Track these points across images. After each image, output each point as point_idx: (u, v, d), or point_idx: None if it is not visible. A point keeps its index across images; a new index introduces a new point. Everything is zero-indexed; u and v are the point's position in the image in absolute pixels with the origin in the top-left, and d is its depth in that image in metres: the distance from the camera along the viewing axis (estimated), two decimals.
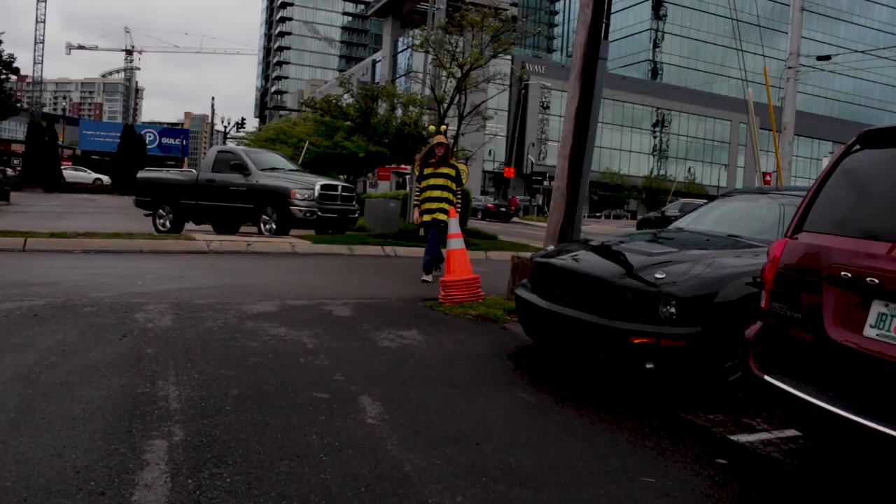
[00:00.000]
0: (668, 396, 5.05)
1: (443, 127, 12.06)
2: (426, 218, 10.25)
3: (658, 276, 4.94)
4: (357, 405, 4.48)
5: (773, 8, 72.82)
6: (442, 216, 10.08)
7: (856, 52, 63.53)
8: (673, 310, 4.76)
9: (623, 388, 5.25)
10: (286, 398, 4.52)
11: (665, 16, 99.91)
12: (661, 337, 4.72)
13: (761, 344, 3.84)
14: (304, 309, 7.52)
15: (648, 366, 4.76)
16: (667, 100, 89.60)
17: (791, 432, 4.49)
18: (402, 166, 31.12)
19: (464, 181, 10.76)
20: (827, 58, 30.01)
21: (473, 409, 4.56)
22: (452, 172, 10.25)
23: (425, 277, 10.19)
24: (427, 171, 10.25)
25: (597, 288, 5.16)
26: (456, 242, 8.71)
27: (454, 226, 8.94)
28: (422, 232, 11.08)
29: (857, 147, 3.86)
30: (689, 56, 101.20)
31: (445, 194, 10.18)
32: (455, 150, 19.82)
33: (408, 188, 9.85)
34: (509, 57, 60.70)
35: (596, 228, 36.26)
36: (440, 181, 10.20)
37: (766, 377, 3.66)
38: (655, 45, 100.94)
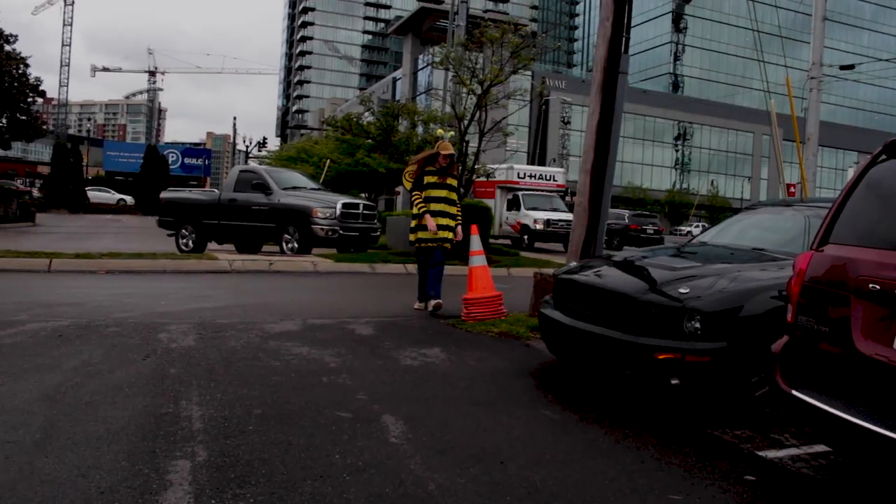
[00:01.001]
0: (694, 412, 5.00)
1: (450, 133, 11.34)
2: (425, 236, 8.94)
3: (682, 290, 4.91)
4: (380, 424, 4.48)
5: (795, 18, 72.58)
6: (449, 234, 9.00)
7: (880, 60, 63.04)
8: (698, 325, 4.72)
9: (648, 405, 5.21)
10: (309, 418, 4.52)
11: (685, 28, 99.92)
12: (686, 352, 4.68)
13: (788, 358, 3.80)
14: (326, 328, 7.54)
15: (674, 381, 4.72)
16: (688, 112, 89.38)
17: (820, 448, 4.43)
18: (514, 181, 30.03)
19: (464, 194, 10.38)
20: (850, 67, 29.82)
21: (497, 428, 4.54)
22: (455, 184, 9.20)
23: (420, 307, 9.11)
24: (428, 178, 9.01)
25: (620, 304, 5.14)
26: (478, 259, 8.68)
27: (476, 243, 8.83)
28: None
29: (884, 157, 3.82)
30: (711, 68, 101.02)
31: (452, 209, 9.06)
32: (476, 166, 19.86)
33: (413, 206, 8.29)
34: (529, 73, 60.79)
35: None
36: (443, 193, 9.02)
37: (794, 392, 3.62)
38: (676, 58, 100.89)
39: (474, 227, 8.89)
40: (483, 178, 26.45)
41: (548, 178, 32.29)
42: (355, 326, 7.69)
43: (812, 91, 20.50)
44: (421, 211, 8.97)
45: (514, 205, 29.04)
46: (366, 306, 9.27)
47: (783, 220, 6.70)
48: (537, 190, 30.37)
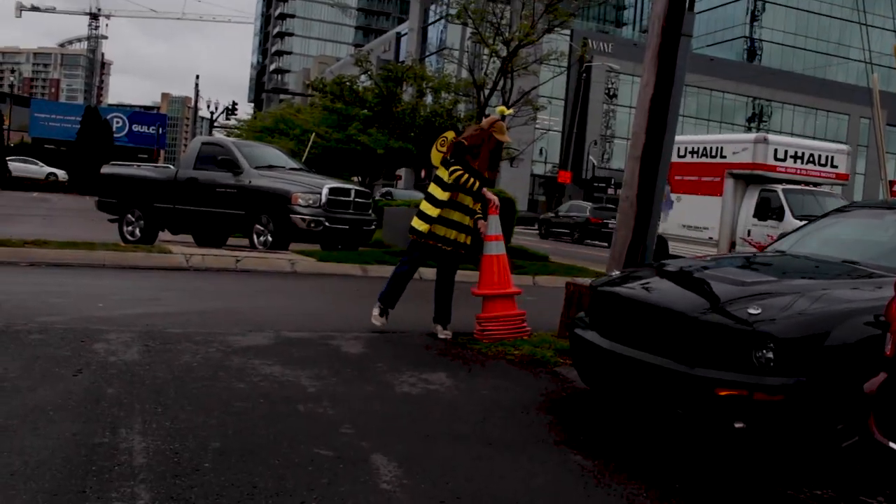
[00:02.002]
0: (764, 465, 4.99)
1: (509, 112, 10.41)
2: (443, 233, 8.46)
3: (752, 311, 4.90)
4: (369, 465, 4.48)
5: None
6: (461, 238, 8.54)
7: None
8: (770, 354, 4.71)
9: (704, 453, 5.20)
10: (280, 455, 4.53)
11: None
12: (754, 389, 4.67)
13: (885, 401, 3.78)
14: (304, 343, 7.55)
15: (738, 425, 4.71)
16: (767, 88, 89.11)
17: None
18: (765, 164, 21.69)
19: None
20: None
21: (514, 475, 4.54)
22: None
23: (377, 320, 8.55)
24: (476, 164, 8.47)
25: (673, 325, 5.13)
26: (495, 246, 8.54)
27: (494, 226, 8.56)
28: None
29: None
30: (797, 32, 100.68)
31: (471, 203, 8.56)
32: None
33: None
34: (567, 32, 60.73)
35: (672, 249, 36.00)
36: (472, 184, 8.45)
37: (892, 444, 3.60)
38: (754, 19, 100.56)
39: (493, 210, 8.55)
40: (515, 159, 26.33)
41: (822, 160, 22.93)
42: (341, 342, 7.70)
43: None
44: (470, 185, 8.29)
45: (767, 209, 21.19)
46: (355, 317, 9.28)
47: (883, 227, 6.68)
48: (806, 183, 22.28)
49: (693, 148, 22.71)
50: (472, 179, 8.29)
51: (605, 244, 39.75)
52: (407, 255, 8.72)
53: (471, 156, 8.40)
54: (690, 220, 22.51)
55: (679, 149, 22.13)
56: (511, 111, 10.26)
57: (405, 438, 5.00)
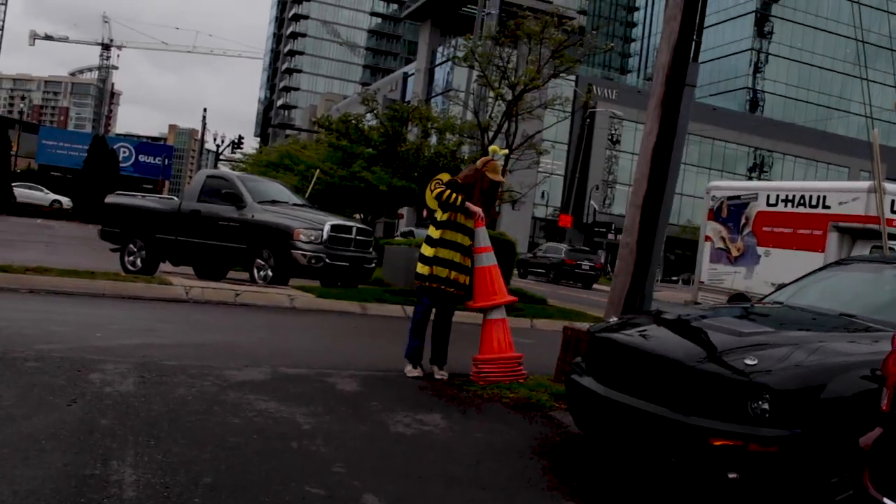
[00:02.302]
0: None
1: (503, 151, 10.44)
2: (438, 273, 8.41)
3: (748, 361, 4.88)
4: None
5: None
6: (463, 279, 8.50)
7: None
8: (766, 405, 4.69)
9: (698, 502, 5.16)
10: (271, 492, 4.49)
11: (771, 34, 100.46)
12: (749, 440, 4.64)
13: (880, 456, 3.76)
14: (300, 380, 7.53)
15: (731, 476, 4.68)
16: (768, 138, 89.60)
17: None
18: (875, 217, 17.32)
19: None
20: None
21: None
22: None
23: (410, 372, 8.49)
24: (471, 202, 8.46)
25: (669, 373, 5.11)
26: (486, 258, 8.58)
27: (483, 237, 8.58)
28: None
29: None
30: (799, 85, 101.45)
31: (468, 242, 8.52)
32: (501, 190, 19.93)
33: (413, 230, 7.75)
34: (573, 77, 61.22)
35: (671, 297, 36.07)
36: (470, 224, 8.53)
37: (887, 500, 3.58)
38: (757, 70, 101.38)
39: (479, 221, 8.50)
40: (511, 202, 26.37)
41: None
42: (337, 380, 7.68)
43: None
44: (453, 200, 8.29)
45: None
46: (352, 356, 9.25)
47: (881, 281, 6.67)
48: None
49: (788, 196, 19.85)
50: (454, 194, 8.35)
51: (579, 284, 42.04)
52: (417, 303, 8.69)
53: (464, 195, 8.43)
54: (782, 277, 18.59)
55: (769, 196, 19.90)
56: (504, 151, 10.22)
57: (398, 479, 4.97)
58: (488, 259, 8.56)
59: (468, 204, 8.39)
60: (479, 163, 8.80)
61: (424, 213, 44.16)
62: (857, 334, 5.41)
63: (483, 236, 8.51)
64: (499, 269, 8.66)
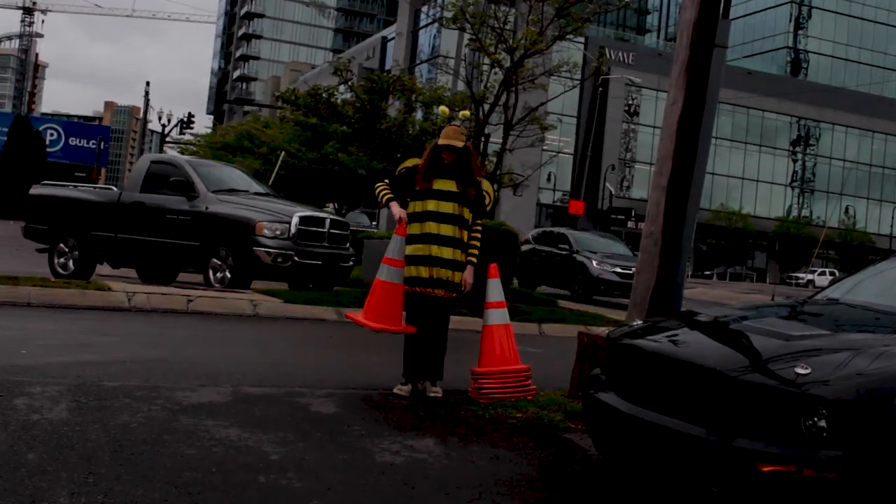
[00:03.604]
0: None
1: (463, 113, 10.49)
2: (415, 274, 8.35)
3: (800, 370, 4.85)
4: None
5: None
6: (456, 276, 8.38)
7: None
8: (822, 422, 4.66)
9: None
10: None
11: None
12: (803, 464, 4.61)
13: None
14: (267, 400, 7.50)
15: None
16: (813, 106, 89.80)
17: None
18: None
19: (489, 204, 8.94)
20: None
21: None
22: (471, 193, 8.52)
23: (401, 390, 8.42)
24: (433, 184, 8.43)
25: (706, 385, 5.08)
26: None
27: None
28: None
29: None
30: (849, 43, 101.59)
31: (457, 233, 8.42)
32: (500, 173, 19.89)
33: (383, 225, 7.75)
34: (581, 40, 61.35)
35: (704, 294, 36.20)
36: (449, 208, 8.39)
37: None
38: (798, 27, 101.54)
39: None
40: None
41: None
42: (311, 401, 7.65)
43: None
44: (384, 198, 8.58)
45: None
46: (328, 371, 9.23)
47: None
48: None
49: None
50: (382, 190, 8.57)
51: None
52: (406, 313, 8.63)
53: (421, 177, 8.43)
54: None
55: None
56: (467, 112, 10.10)
57: None
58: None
59: (391, 205, 8.46)
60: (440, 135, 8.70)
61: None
62: None
63: (396, 245, 8.39)
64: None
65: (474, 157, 8.72)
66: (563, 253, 26.86)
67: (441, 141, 8.38)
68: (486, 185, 8.77)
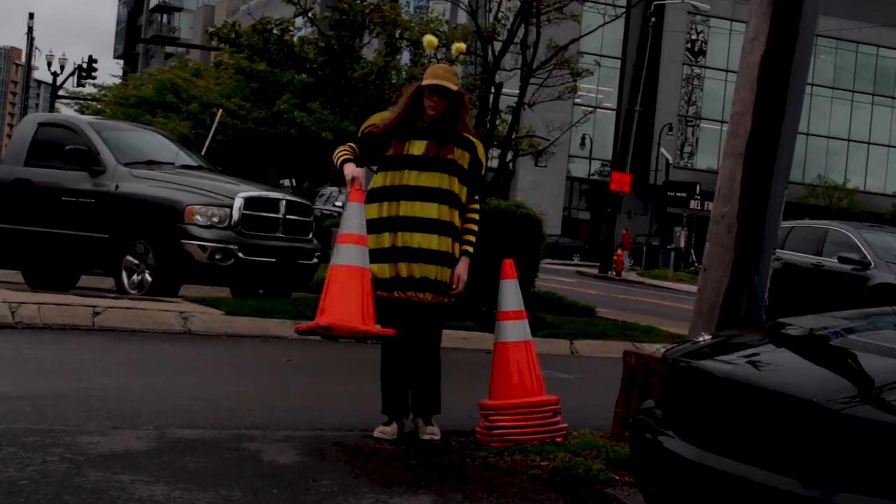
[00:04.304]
0: None
1: (457, 46, 10.28)
2: (385, 274, 8.36)
3: None
4: None
5: None
6: (443, 274, 8.38)
7: None
8: None
9: None
10: None
11: None
12: None
13: None
14: (204, 447, 7.54)
15: None
16: None
17: None
18: None
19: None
20: None
21: None
22: (465, 157, 8.53)
23: (384, 433, 8.43)
24: (407, 146, 8.44)
25: (799, 423, 5.10)
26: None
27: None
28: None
29: None
30: None
31: (447, 214, 8.44)
32: (516, 136, 19.87)
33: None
34: None
35: None
36: (434, 180, 8.41)
37: None
38: None
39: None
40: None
41: None
42: (263, 447, 7.69)
43: None
44: (338, 160, 8.39)
45: None
46: (286, 407, 9.26)
47: None
48: None
49: None
50: (339, 151, 8.40)
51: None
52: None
53: (411, 124, 8.40)
54: None
55: None
56: (462, 46, 9.90)
57: None
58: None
59: (345, 166, 8.23)
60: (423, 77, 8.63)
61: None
62: None
63: (351, 216, 8.16)
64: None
65: (466, 108, 8.69)
66: (849, 271, 20.71)
67: (427, 81, 8.31)
68: (481, 148, 8.72)
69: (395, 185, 8.31)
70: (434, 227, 8.25)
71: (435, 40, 9.28)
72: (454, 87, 8.31)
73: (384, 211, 8.28)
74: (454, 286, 8.30)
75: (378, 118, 8.71)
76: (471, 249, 8.43)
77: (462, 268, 8.34)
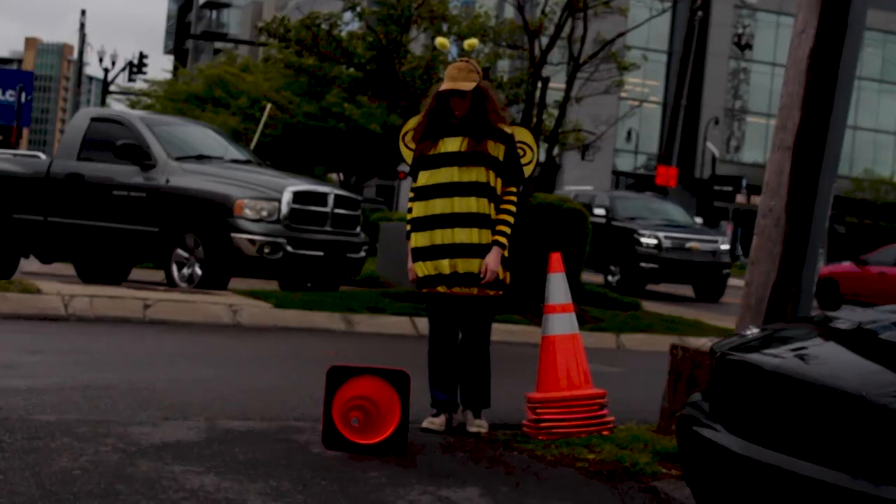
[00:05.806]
0: None
1: (469, 42, 10.20)
2: (427, 272, 8.47)
3: None
4: None
5: None
6: (474, 265, 8.35)
7: None
8: None
9: None
10: None
11: None
12: None
13: None
14: (254, 438, 7.56)
15: None
16: None
17: None
18: None
19: (530, 164, 9.08)
20: None
21: None
22: (500, 149, 8.51)
23: (433, 424, 8.55)
24: (433, 150, 8.52)
25: (848, 417, 5.06)
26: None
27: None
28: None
29: None
30: None
31: (484, 207, 8.47)
32: (562, 130, 19.82)
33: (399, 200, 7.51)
34: None
35: None
36: (471, 175, 8.44)
37: None
38: None
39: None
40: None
41: None
42: (313, 438, 7.70)
43: None
44: (407, 229, 8.64)
45: None
46: None
47: None
48: None
49: None
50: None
51: None
52: (429, 321, 8.71)
53: (440, 124, 8.50)
54: None
55: None
56: (474, 42, 9.87)
57: None
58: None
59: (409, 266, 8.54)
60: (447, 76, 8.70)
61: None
62: None
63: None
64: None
65: (491, 99, 8.62)
66: None
67: (445, 86, 8.39)
68: (522, 134, 8.74)
69: (433, 184, 8.37)
70: (473, 221, 8.30)
71: (447, 42, 9.29)
72: (468, 88, 8.33)
73: (425, 210, 8.35)
74: (482, 276, 8.25)
75: (414, 122, 8.87)
76: (502, 240, 8.38)
77: (492, 258, 8.27)
